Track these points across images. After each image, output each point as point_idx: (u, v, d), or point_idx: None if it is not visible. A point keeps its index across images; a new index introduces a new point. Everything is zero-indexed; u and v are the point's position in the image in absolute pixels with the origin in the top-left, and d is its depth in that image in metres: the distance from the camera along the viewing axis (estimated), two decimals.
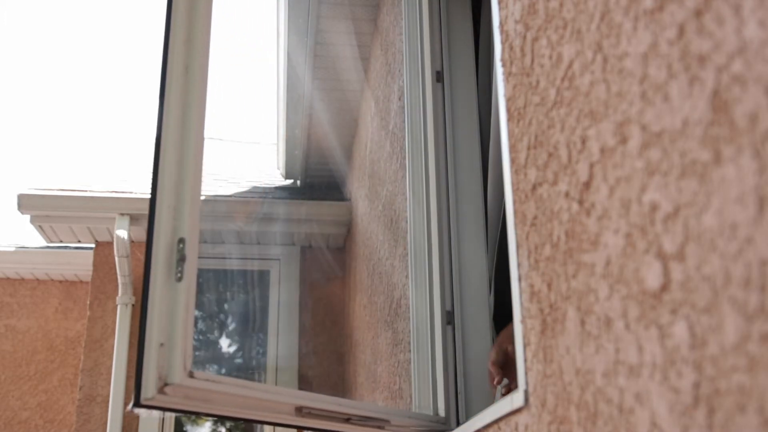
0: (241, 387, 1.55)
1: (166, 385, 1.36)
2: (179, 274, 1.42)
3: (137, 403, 1.35)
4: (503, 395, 1.80)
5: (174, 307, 1.41)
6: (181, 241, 1.44)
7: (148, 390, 1.34)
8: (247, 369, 5.66)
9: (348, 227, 5.12)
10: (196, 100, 1.53)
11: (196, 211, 1.48)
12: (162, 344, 1.37)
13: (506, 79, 1.39)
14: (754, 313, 0.62)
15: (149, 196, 1.47)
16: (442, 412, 1.98)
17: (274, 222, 5.15)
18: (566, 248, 1.06)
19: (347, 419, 1.69)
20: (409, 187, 2.38)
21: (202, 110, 1.55)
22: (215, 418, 5.65)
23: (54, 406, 6.28)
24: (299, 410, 1.59)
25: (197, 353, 5.74)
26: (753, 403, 0.62)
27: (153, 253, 1.41)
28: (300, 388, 4.98)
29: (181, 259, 1.43)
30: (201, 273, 5.61)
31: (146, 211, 5.04)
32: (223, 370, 5.86)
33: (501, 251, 2.24)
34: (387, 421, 1.76)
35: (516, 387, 1.29)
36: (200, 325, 5.87)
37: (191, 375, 1.39)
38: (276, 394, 1.63)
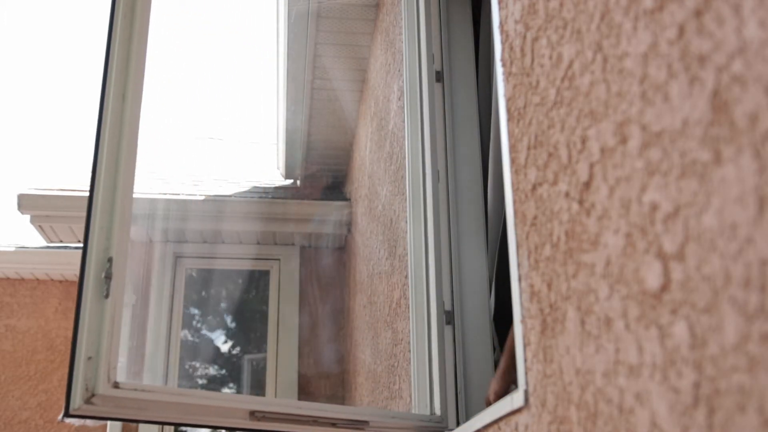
0: (176, 395, 1.63)
1: (93, 395, 1.47)
2: (106, 291, 1.54)
3: (67, 413, 1.46)
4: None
5: (101, 322, 1.52)
6: (110, 260, 1.56)
7: (76, 401, 1.46)
8: (247, 368, 5.65)
9: (348, 227, 5.12)
10: (128, 132, 1.68)
11: (126, 233, 1.62)
12: (90, 357, 1.49)
13: (506, 79, 1.39)
14: (754, 313, 0.62)
15: (85, 216, 1.61)
16: (438, 411, 1.98)
17: (274, 222, 5.15)
18: (566, 248, 1.06)
19: (333, 423, 1.72)
20: (409, 187, 2.38)
21: (135, 141, 1.69)
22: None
23: (54, 406, 6.28)
24: (252, 414, 1.65)
25: (196, 353, 5.74)
26: (753, 403, 0.62)
27: (85, 271, 1.54)
28: (300, 388, 4.98)
29: (108, 277, 1.55)
30: (201, 273, 5.61)
31: (145, 212, 5.05)
32: (223, 371, 5.86)
33: (501, 251, 2.23)
34: (365, 422, 1.78)
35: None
36: (199, 325, 5.86)
37: (116, 386, 1.50)
38: (221, 401, 1.72)
